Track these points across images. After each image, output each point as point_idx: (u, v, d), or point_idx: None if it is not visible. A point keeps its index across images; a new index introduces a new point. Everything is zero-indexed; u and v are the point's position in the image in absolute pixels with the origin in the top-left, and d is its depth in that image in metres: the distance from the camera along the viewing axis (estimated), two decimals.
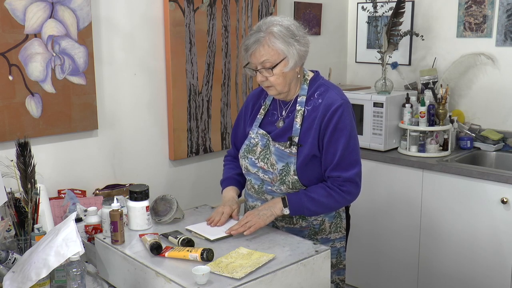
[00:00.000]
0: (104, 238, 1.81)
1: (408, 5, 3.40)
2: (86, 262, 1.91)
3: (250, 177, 2.04)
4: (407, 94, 3.22)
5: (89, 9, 2.36)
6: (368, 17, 3.68)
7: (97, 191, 2.45)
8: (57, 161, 2.37)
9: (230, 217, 1.94)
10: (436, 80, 3.32)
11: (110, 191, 2.46)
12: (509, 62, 3.18)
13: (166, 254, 1.65)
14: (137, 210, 1.86)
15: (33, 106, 2.24)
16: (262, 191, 2.01)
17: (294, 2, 3.42)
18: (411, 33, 3.38)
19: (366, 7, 3.46)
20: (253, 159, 2.00)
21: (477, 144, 3.23)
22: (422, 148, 3.10)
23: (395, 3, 3.24)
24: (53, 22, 2.26)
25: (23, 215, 1.88)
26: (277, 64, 1.84)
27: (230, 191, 2.06)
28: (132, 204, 1.86)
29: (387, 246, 3.19)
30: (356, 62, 3.91)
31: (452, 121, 3.20)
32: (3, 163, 2.01)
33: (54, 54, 2.28)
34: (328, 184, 1.90)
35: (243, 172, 2.07)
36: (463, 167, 2.87)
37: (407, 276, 3.13)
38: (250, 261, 1.60)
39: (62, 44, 2.30)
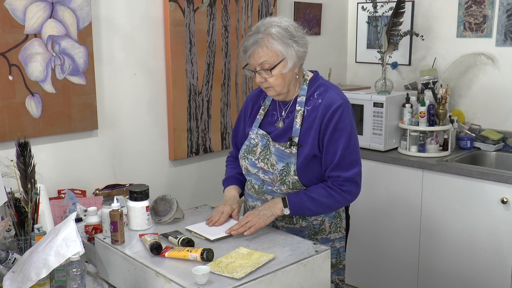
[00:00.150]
0: (104, 238, 1.81)
1: (408, 5, 3.40)
2: (86, 262, 1.91)
3: (251, 178, 2.04)
4: (407, 94, 3.22)
5: (89, 9, 2.36)
6: (368, 17, 3.68)
7: (97, 191, 2.45)
8: (57, 161, 2.37)
9: (230, 216, 1.94)
10: (436, 80, 3.32)
11: (110, 191, 2.46)
12: (509, 62, 3.18)
13: (166, 254, 1.65)
14: (137, 210, 1.86)
15: (33, 106, 2.24)
16: (262, 192, 2.01)
17: (294, 2, 3.42)
18: (411, 33, 3.38)
19: (366, 7, 3.46)
20: (253, 160, 2.00)
21: (477, 144, 3.23)
22: (422, 148, 3.10)
23: (395, 3, 3.24)
24: (53, 22, 2.26)
25: (23, 215, 1.88)
26: (275, 65, 1.84)
27: (232, 190, 2.07)
28: (132, 204, 1.86)
29: (387, 246, 3.19)
30: (356, 62, 3.91)
31: (452, 121, 3.20)
32: (3, 163, 2.01)
33: (54, 54, 2.28)
34: (328, 184, 1.90)
35: (244, 172, 2.07)
36: (463, 167, 2.87)
37: (407, 276, 3.13)
38: (250, 261, 1.60)
39: (62, 44, 2.30)
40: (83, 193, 2.39)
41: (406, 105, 3.16)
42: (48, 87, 2.28)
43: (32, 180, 1.88)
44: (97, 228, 1.94)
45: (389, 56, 3.36)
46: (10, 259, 1.71)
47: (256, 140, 2.00)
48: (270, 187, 1.98)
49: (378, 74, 3.44)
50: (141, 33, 2.61)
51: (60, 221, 2.09)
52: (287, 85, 1.90)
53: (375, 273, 3.28)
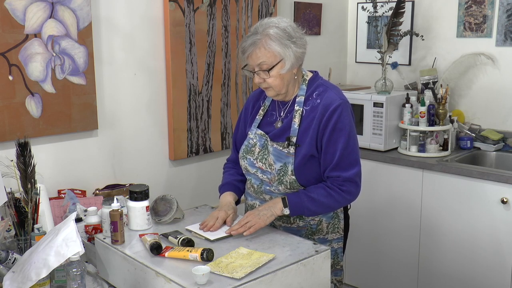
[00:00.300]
0: (104, 238, 1.81)
1: (408, 5, 3.40)
2: (86, 262, 1.91)
3: (250, 177, 2.04)
4: (407, 94, 3.22)
5: (89, 9, 2.36)
6: (368, 17, 3.68)
7: (97, 191, 2.45)
8: (57, 161, 2.37)
9: (224, 223, 1.91)
10: (436, 80, 3.32)
11: (110, 191, 2.46)
12: (509, 62, 3.18)
13: (166, 254, 1.65)
14: (137, 210, 1.86)
15: (33, 106, 2.24)
16: (261, 191, 2.01)
17: (294, 2, 3.42)
18: (411, 33, 3.38)
19: (366, 7, 3.47)
20: (251, 160, 2.00)
21: (477, 144, 3.23)
22: (422, 148, 3.10)
23: (395, 3, 3.24)
24: (53, 22, 2.26)
25: (23, 215, 1.88)
26: (273, 66, 1.84)
27: (228, 196, 2.04)
28: (132, 204, 1.86)
29: (387, 246, 3.19)
30: (356, 62, 3.91)
31: (452, 121, 3.20)
32: (3, 163, 2.01)
33: (54, 54, 2.28)
34: (328, 184, 1.90)
35: (244, 172, 2.08)
36: (463, 167, 2.87)
37: (407, 276, 3.13)
38: (250, 261, 1.60)
39: (62, 44, 2.30)
40: (83, 193, 2.39)
41: (406, 105, 3.16)
42: (48, 87, 2.28)
43: (32, 180, 1.88)
44: (97, 228, 1.94)
45: (389, 56, 3.36)
46: (10, 259, 1.71)
47: (255, 140, 2.00)
48: (268, 187, 1.98)
49: (378, 74, 3.44)
50: (141, 33, 2.61)
51: (60, 221, 2.09)
52: (285, 86, 1.90)
53: (375, 273, 3.28)
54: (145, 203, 1.87)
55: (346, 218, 2.09)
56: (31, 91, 2.23)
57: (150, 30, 2.64)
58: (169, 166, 2.83)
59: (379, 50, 3.33)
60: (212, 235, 1.81)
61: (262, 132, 1.99)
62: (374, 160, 3.16)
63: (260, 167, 1.97)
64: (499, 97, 3.24)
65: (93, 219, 1.96)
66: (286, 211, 1.88)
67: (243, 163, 2.04)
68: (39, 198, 1.91)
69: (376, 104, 3.16)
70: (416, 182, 3.01)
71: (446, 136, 3.14)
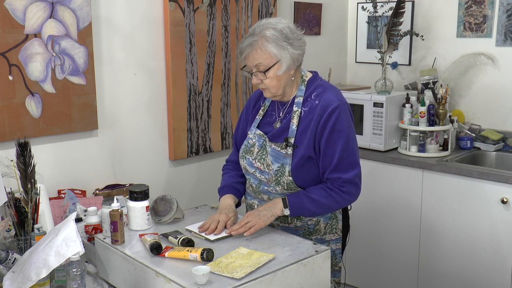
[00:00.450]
0: (104, 238, 1.81)
1: (408, 5, 3.40)
2: (86, 262, 1.91)
3: (249, 177, 2.04)
4: (407, 94, 3.22)
5: (89, 9, 2.36)
6: (368, 17, 3.68)
7: (97, 191, 2.45)
8: (57, 161, 2.37)
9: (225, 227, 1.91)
10: (436, 80, 3.32)
11: (110, 191, 2.46)
12: (509, 62, 3.18)
13: (166, 254, 1.65)
14: (137, 210, 1.86)
15: (33, 106, 2.24)
16: (259, 191, 2.01)
17: (294, 2, 3.42)
18: (411, 33, 3.38)
19: (366, 7, 3.46)
20: (250, 160, 2.00)
21: (477, 144, 3.23)
22: (422, 148, 3.10)
23: (395, 3, 3.24)
24: (53, 22, 2.26)
25: (23, 215, 1.88)
26: (270, 68, 1.85)
27: (228, 199, 2.03)
28: (132, 204, 1.86)
29: (387, 246, 3.19)
30: (356, 62, 3.91)
31: (452, 121, 3.20)
32: (3, 163, 2.01)
33: (54, 54, 2.28)
34: (328, 185, 1.90)
35: (243, 171, 2.08)
36: (463, 167, 2.87)
37: (407, 276, 3.13)
38: (250, 261, 1.60)
39: (62, 44, 2.30)
40: (83, 193, 2.39)
41: (406, 105, 3.16)
42: (48, 87, 2.28)
43: (32, 180, 1.88)
44: (97, 228, 1.94)
45: (389, 56, 3.36)
46: (10, 259, 1.71)
47: (254, 140, 2.01)
48: (266, 187, 1.98)
49: (378, 74, 3.44)
50: (141, 33, 2.61)
51: (60, 221, 2.09)
52: (282, 87, 1.90)
53: (375, 273, 3.28)
54: (145, 203, 1.87)
55: (346, 218, 2.09)
56: (31, 91, 2.23)
57: (150, 30, 2.64)
58: (169, 166, 2.83)
59: (379, 50, 3.33)
60: (212, 235, 1.81)
61: (261, 132, 1.99)
62: (374, 160, 3.16)
63: (258, 167, 1.98)
64: (499, 97, 3.24)
65: (93, 219, 1.96)
66: (287, 212, 1.88)
67: (242, 162, 2.04)
68: (39, 198, 1.91)
69: (376, 104, 3.16)
70: (416, 182, 3.01)
71: (446, 136, 3.14)
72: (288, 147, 1.90)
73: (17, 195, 1.92)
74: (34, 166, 1.87)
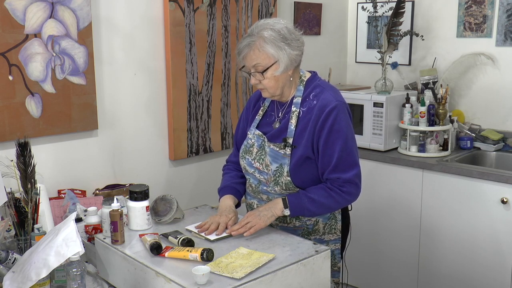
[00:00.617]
0: (104, 238, 1.81)
1: (408, 5, 3.40)
2: (86, 262, 1.91)
3: (249, 177, 2.05)
4: (407, 94, 3.22)
5: (89, 9, 2.36)
6: (368, 17, 3.68)
7: (97, 191, 2.45)
8: (57, 161, 2.37)
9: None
10: (436, 80, 3.32)
11: (110, 191, 2.46)
12: (509, 62, 3.18)
13: (166, 254, 1.65)
14: (137, 210, 1.86)
15: (33, 106, 2.24)
16: (258, 191, 2.01)
17: (294, 2, 3.42)
18: (411, 33, 3.38)
19: (366, 7, 3.47)
20: (249, 160, 2.00)
21: (477, 144, 3.23)
22: (422, 148, 3.10)
23: (395, 3, 3.24)
24: (53, 22, 2.26)
25: (23, 215, 1.88)
26: (268, 68, 1.85)
27: (227, 200, 2.03)
28: (132, 204, 1.86)
29: (387, 246, 3.19)
30: (356, 62, 3.91)
31: (452, 121, 3.20)
32: (3, 163, 2.01)
33: (54, 54, 2.28)
34: (328, 185, 1.90)
35: (243, 171, 2.08)
36: (463, 167, 2.87)
37: (407, 276, 3.13)
38: (250, 261, 1.60)
39: (62, 44, 2.30)
40: (83, 193, 2.39)
41: (406, 105, 3.16)
42: (48, 87, 2.28)
43: (32, 180, 1.88)
44: (97, 228, 1.94)
45: (389, 56, 3.36)
46: (10, 259, 1.71)
47: (253, 140, 2.01)
48: (265, 187, 1.98)
49: (378, 74, 3.44)
50: (141, 33, 2.61)
51: (60, 221, 2.09)
52: (280, 87, 1.91)
53: (375, 273, 3.28)
54: (145, 203, 1.87)
55: (347, 218, 2.09)
56: (31, 91, 2.23)
57: (150, 30, 2.64)
58: (169, 166, 2.83)
59: (379, 50, 3.33)
60: (212, 235, 1.81)
61: (260, 133, 1.99)
62: (374, 160, 3.16)
63: (257, 168, 1.98)
64: (499, 97, 3.24)
65: (93, 219, 1.96)
66: (287, 212, 1.88)
67: (242, 163, 2.04)
68: (39, 198, 1.91)
69: (376, 104, 3.16)
70: (416, 182, 3.01)
71: (446, 136, 3.14)
72: (286, 147, 1.90)
73: (17, 195, 1.92)
74: (34, 166, 1.87)
